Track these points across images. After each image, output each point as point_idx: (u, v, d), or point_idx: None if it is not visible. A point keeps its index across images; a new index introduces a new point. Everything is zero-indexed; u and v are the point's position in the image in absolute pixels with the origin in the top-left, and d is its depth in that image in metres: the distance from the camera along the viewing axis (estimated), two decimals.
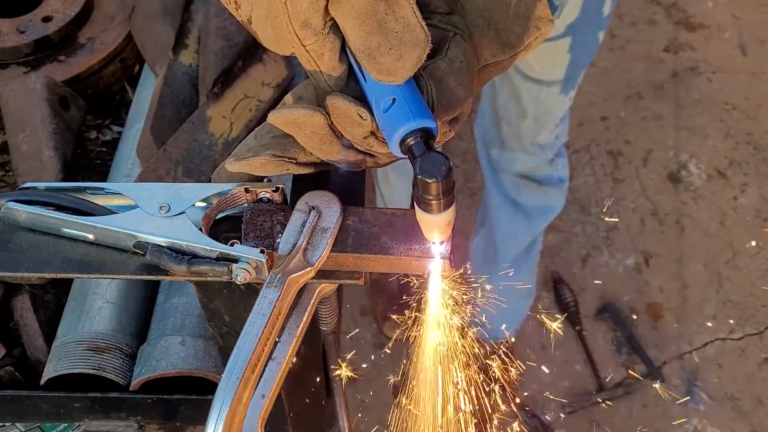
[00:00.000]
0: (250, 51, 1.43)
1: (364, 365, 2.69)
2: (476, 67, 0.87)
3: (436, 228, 0.84)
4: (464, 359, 1.07)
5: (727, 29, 4.02)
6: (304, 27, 0.78)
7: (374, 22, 0.76)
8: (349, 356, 1.21)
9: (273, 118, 0.84)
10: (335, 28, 0.79)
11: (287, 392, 1.21)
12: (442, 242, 0.87)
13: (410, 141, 0.78)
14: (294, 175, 1.01)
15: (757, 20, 4.06)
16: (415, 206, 0.82)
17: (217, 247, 0.90)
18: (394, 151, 0.81)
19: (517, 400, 2.83)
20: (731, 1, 4.13)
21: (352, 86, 0.84)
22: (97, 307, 1.30)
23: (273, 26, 0.79)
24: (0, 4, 1.54)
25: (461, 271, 0.92)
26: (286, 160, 0.89)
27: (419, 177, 0.77)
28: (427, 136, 0.79)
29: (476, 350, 1.07)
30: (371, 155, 0.88)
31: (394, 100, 0.79)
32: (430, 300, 0.96)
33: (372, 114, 0.81)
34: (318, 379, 1.28)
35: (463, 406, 1.12)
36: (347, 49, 0.82)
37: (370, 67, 0.78)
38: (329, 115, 0.83)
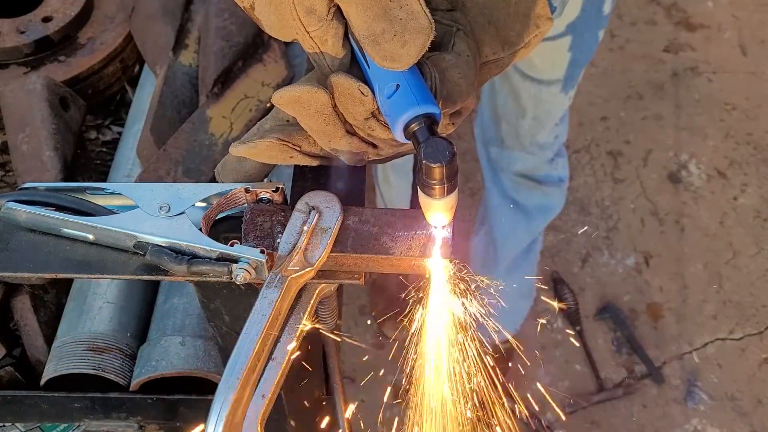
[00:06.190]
0: (250, 51, 1.43)
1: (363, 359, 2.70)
2: (479, 63, 0.88)
3: (438, 212, 0.84)
4: (463, 359, 1.07)
5: (727, 29, 4.02)
6: (309, 13, 0.78)
7: (379, 8, 0.77)
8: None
9: (277, 97, 0.84)
10: (339, 14, 0.80)
11: (287, 392, 1.21)
12: (444, 226, 0.88)
13: (414, 126, 0.79)
14: (294, 174, 1.01)
15: (757, 20, 4.06)
16: (419, 191, 0.82)
17: (217, 247, 0.90)
18: (398, 137, 0.81)
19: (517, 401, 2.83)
20: (731, 1, 4.13)
21: (355, 72, 0.84)
22: (97, 307, 1.30)
23: (276, 12, 0.80)
24: (0, 4, 1.54)
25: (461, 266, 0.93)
26: (291, 146, 0.89)
27: (424, 162, 0.78)
28: (430, 121, 0.79)
29: (475, 350, 1.07)
30: (374, 146, 0.88)
31: (397, 86, 0.80)
32: (431, 299, 0.95)
33: (373, 92, 0.81)
34: (318, 379, 1.28)
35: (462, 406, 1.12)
36: (350, 35, 0.82)
37: (375, 53, 0.78)
38: (333, 97, 0.83)
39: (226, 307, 1.08)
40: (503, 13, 0.88)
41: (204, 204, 0.96)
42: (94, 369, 1.24)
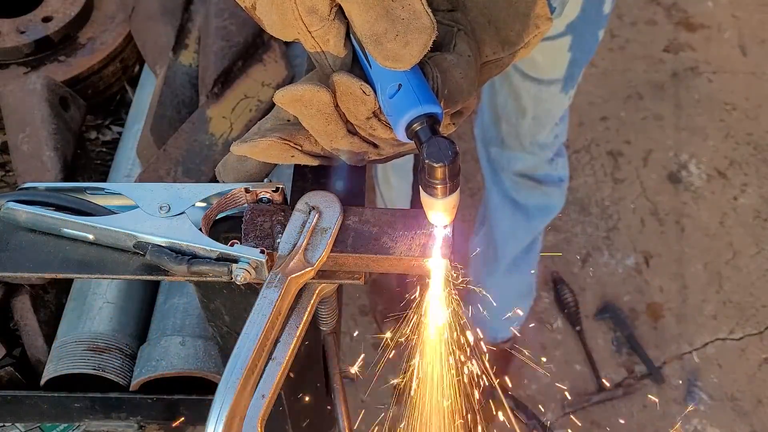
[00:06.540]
0: (250, 51, 1.43)
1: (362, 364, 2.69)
2: (480, 63, 0.88)
3: (440, 212, 0.84)
4: (464, 359, 1.07)
5: (727, 29, 4.02)
6: (311, 13, 0.78)
7: (381, 8, 0.77)
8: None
9: (279, 96, 0.84)
10: (341, 13, 0.80)
11: (287, 392, 1.21)
12: (446, 226, 0.88)
13: (416, 126, 0.79)
14: (294, 174, 1.01)
15: (757, 20, 4.06)
16: (421, 190, 0.82)
17: (217, 247, 0.90)
18: (400, 137, 0.82)
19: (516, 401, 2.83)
20: (731, 1, 4.13)
21: (357, 72, 0.84)
22: (97, 307, 1.30)
23: (278, 12, 0.80)
24: (0, 4, 1.54)
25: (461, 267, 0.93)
26: (292, 145, 0.89)
27: (426, 161, 0.78)
28: (432, 121, 0.79)
29: (476, 350, 1.07)
30: (375, 146, 0.89)
31: (400, 86, 0.80)
32: (430, 299, 0.95)
33: (375, 91, 0.82)
34: (318, 379, 1.28)
35: (462, 406, 1.12)
36: (351, 35, 0.82)
37: (377, 53, 0.78)
38: (334, 96, 0.83)
39: (226, 307, 1.08)
40: (503, 14, 0.88)
41: (204, 204, 0.96)
42: (94, 369, 1.24)
